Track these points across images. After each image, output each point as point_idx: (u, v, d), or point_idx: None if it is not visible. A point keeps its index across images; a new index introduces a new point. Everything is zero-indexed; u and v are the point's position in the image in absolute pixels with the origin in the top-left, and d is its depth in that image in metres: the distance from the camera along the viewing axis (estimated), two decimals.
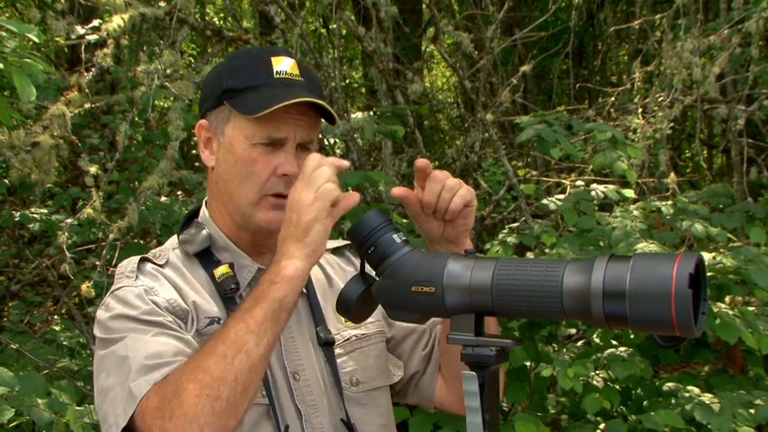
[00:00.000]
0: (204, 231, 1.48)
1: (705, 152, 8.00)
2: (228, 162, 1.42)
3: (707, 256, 3.29)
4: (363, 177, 3.56)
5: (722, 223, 3.71)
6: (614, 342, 3.64)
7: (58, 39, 3.44)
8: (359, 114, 4.38)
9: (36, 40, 2.45)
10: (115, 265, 2.07)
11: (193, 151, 7.07)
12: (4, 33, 2.45)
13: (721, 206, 4.19)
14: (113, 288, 1.40)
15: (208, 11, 8.62)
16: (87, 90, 3.21)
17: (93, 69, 3.23)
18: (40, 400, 2.59)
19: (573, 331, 4.40)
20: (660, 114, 4.40)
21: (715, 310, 3.19)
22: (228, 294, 1.41)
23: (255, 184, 1.41)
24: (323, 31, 6.31)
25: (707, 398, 3.23)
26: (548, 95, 8.07)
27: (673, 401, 3.33)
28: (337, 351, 1.50)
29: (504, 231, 4.02)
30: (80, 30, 3.33)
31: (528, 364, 3.55)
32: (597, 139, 3.87)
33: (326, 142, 4.44)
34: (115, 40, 3.14)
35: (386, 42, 4.92)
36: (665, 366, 4.75)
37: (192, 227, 1.51)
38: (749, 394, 3.21)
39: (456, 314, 1.19)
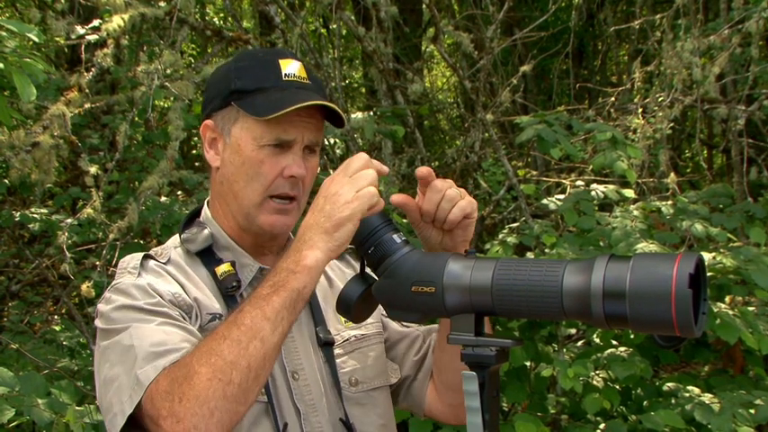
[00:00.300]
0: (206, 231, 1.48)
1: (705, 152, 8.00)
2: (235, 163, 1.42)
3: (707, 256, 3.29)
4: None
5: (722, 223, 3.71)
6: (614, 342, 3.65)
7: (58, 39, 3.44)
8: (359, 114, 4.39)
9: (36, 40, 2.45)
10: (115, 265, 2.07)
11: (193, 151, 7.08)
12: (4, 33, 2.45)
13: (721, 206, 4.19)
14: (115, 282, 1.40)
15: (208, 11, 8.62)
16: (87, 90, 3.21)
17: (93, 69, 3.23)
18: (40, 400, 2.59)
19: (573, 331, 4.41)
20: (660, 114, 4.40)
21: (715, 310, 3.19)
22: (230, 292, 1.42)
23: (261, 185, 1.41)
24: (323, 31, 6.31)
25: (707, 398, 3.23)
26: (548, 95, 8.07)
27: (673, 401, 3.33)
28: (337, 351, 1.50)
29: (504, 231, 4.03)
30: (80, 30, 3.33)
31: (528, 364, 3.55)
32: (597, 139, 3.87)
33: (326, 142, 4.44)
34: (115, 40, 3.15)
35: (386, 42, 4.93)
36: (665, 366, 4.75)
37: (193, 226, 1.51)
38: (749, 394, 3.21)
39: (456, 314, 1.19)
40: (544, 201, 4.11)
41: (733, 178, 5.23)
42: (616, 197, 3.86)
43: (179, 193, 5.09)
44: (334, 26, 5.35)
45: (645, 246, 3.22)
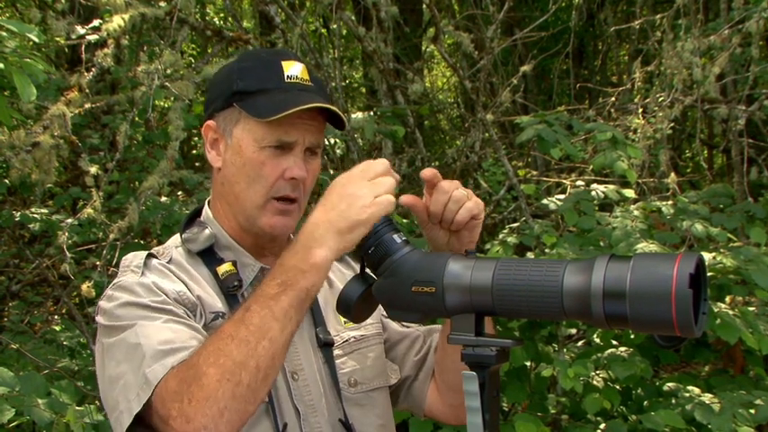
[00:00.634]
0: (207, 230, 1.48)
1: (705, 152, 8.00)
2: (236, 164, 1.42)
3: (707, 256, 3.29)
4: None
5: (722, 223, 3.71)
6: (614, 342, 3.65)
7: (58, 39, 3.44)
8: (359, 114, 4.39)
9: (36, 40, 2.45)
10: (115, 265, 2.07)
11: (194, 151, 7.08)
12: (4, 33, 2.45)
13: (721, 206, 4.19)
14: (117, 280, 1.40)
15: (208, 11, 8.62)
16: (87, 90, 3.21)
17: (93, 69, 3.23)
18: (40, 400, 2.59)
19: (573, 331, 4.40)
20: (660, 114, 4.40)
21: (715, 310, 3.19)
22: (231, 291, 1.42)
23: (263, 187, 1.41)
24: (323, 31, 6.31)
25: (707, 398, 3.23)
26: (548, 95, 8.07)
27: (673, 401, 3.33)
28: (336, 352, 1.50)
29: (505, 231, 4.03)
30: (80, 30, 3.33)
31: (528, 364, 3.55)
32: (597, 139, 3.87)
33: (326, 142, 4.45)
34: (115, 40, 3.15)
35: (386, 42, 4.93)
36: (665, 366, 4.75)
37: (194, 226, 1.51)
38: (749, 394, 3.21)
39: (456, 314, 1.19)
40: (544, 201, 4.11)
41: (733, 178, 5.23)
42: (616, 197, 3.86)
43: (179, 193, 5.09)
44: (335, 26, 5.35)
45: (645, 246, 3.22)
